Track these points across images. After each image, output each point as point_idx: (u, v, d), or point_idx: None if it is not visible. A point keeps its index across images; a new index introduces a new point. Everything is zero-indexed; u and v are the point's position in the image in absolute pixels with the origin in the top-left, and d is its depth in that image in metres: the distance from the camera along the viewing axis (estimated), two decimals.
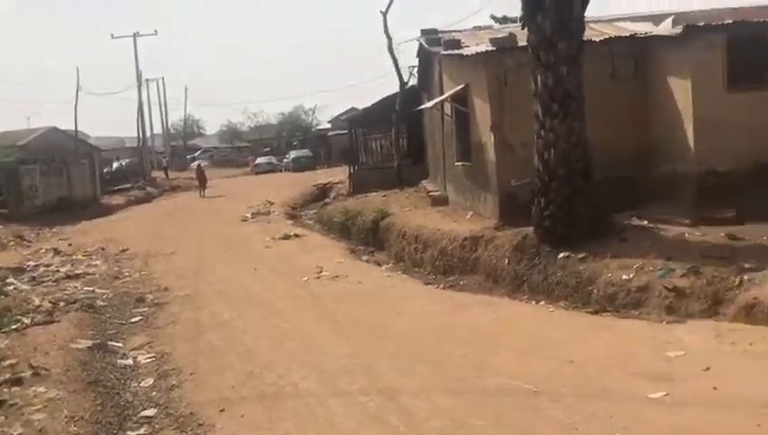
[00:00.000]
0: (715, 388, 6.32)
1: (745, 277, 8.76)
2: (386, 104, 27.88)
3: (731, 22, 12.95)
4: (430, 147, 23.37)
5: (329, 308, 11.35)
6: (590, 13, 12.03)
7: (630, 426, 5.71)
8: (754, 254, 9.55)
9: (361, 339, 9.30)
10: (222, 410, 7.13)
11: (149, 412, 7.40)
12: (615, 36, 14.50)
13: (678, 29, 12.73)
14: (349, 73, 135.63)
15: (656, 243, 10.84)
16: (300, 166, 51.11)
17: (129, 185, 43.46)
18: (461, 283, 12.84)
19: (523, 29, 12.27)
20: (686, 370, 6.89)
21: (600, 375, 6.98)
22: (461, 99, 16.41)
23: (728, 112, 12.19)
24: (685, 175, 12.79)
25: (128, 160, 51.28)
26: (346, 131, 33.52)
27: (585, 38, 12.22)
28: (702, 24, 12.94)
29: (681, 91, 12.82)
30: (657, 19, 15.71)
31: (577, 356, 7.61)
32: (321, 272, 14.48)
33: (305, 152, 57.46)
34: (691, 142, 12.57)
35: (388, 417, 6.45)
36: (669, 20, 13.51)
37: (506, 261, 12.12)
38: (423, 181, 23.48)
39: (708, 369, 6.81)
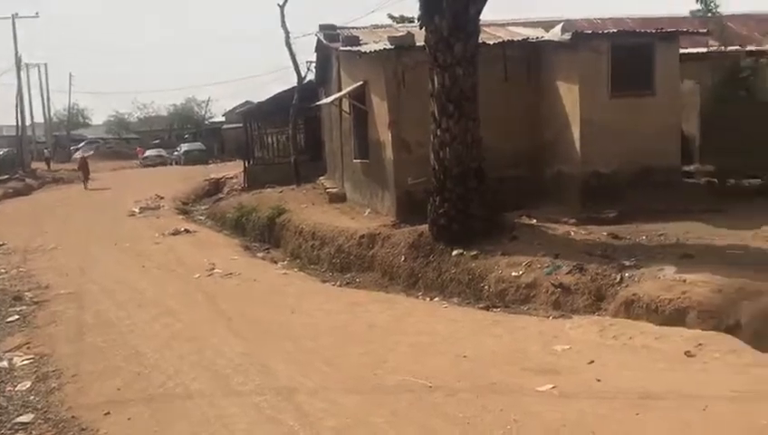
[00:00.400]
0: (598, 380, 6.61)
1: (626, 275, 9.25)
2: (282, 99, 27.47)
3: (615, 31, 13.65)
4: (328, 143, 23.27)
5: (222, 306, 11.06)
6: (483, 16, 12.32)
7: (520, 419, 5.87)
8: (634, 252, 10.11)
9: (256, 338, 9.12)
10: (107, 414, 6.80)
11: (26, 418, 6.95)
12: (508, 40, 14.94)
13: (567, 36, 13.28)
14: (244, 66, 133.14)
15: (544, 241, 11.27)
16: (191, 159, 49.71)
17: (6, 176, 40.73)
18: (358, 280, 12.88)
19: (420, 29, 12.40)
20: (571, 363, 7.18)
21: (491, 370, 7.15)
22: (359, 96, 16.42)
23: (612, 117, 12.90)
24: (571, 176, 13.39)
25: (5, 150, 48.11)
26: (241, 125, 32.82)
27: (480, 41, 12.52)
28: (589, 32, 13.54)
29: (569, 95, 13.39)
30: (546, 25, 16.30)
31: (470, 351, 7.78)
32: (213, 269, 14.12)
33: (197, 145, 55.84)
34: (577, 145, 13.16)
35: (284, 417, 6.34)
36: (559, 27, 14.04)
37: (402, 258, 12.25)
38: (321, 178, 23.35)
39: (592, 362, 7.12)
